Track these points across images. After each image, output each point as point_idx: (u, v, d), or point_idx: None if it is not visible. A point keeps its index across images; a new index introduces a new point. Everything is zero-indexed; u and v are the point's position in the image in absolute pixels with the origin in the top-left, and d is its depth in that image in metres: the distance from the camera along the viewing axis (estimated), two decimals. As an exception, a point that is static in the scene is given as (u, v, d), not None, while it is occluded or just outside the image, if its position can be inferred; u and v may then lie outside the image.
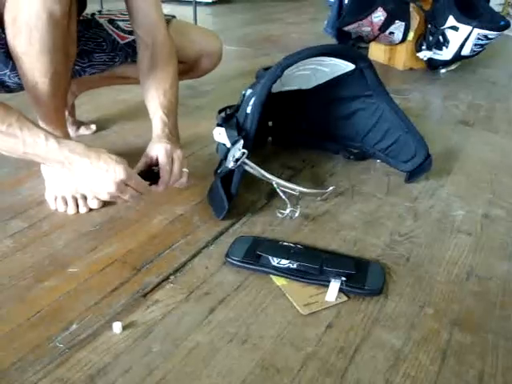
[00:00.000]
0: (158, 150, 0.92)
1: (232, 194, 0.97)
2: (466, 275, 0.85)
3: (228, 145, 0.99)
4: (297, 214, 0.99)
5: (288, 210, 0.98)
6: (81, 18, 1.20)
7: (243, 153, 0.95)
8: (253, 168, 0.99)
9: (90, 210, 1.01)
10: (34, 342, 0.69)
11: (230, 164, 0.96)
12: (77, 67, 1.20)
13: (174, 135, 0.98)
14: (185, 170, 0.94)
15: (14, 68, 0.93)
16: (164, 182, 0.91)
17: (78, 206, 1.00)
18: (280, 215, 0.99)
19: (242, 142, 0.96)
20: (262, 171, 0.99)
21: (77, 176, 0.83)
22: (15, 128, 0.78)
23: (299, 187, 1.02)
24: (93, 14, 1.24)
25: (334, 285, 0.79)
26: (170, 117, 1.00)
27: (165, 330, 0.71)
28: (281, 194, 1.00)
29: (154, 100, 1.02)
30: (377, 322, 0.74)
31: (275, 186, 1.00)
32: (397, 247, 0.92)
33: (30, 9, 0.83)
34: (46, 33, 0.85)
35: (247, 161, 0.97)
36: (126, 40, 1.24)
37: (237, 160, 0.95)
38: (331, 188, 1.06)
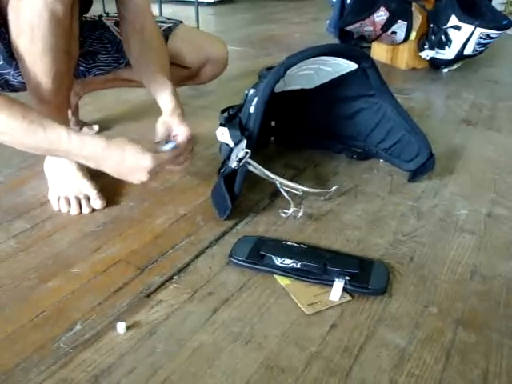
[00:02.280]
0: (181, 132, 0.96)
1: (235, 194, 0.97)
2: (470, 274, 0.85)
3: (231, 144, 0.99)
4: (300, 214, 0.99)
5: (291, 210, 0.98)
6: (88, 19, 1.21)
7: (246, 152, 0.95)
8: (256, 168, 0.99)
9: (93, 210, 1.01)
10: (37, 343, 0.69)
11: (233, 164, 0.96)
12: (81, 68, 1.20)
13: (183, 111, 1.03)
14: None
15: (18, 67, 0.93)
16: (180, 164, 0.97)
17: (81, 206, 1.00)
18: (283, 215, 0.99)
19: (245, 141, 0.96)
20: (265, 171, 0.99)
21: (105, 169, 0.87)
22: (37, 125, 0.78)
23: (302, 187, 1.02)
24: (100, 16, 1.24)
25: (338, 284, 0.79)
26: (176, 93, 1.04)
27: (169, 330, 0.71)
28: (284, 194, 1.00)
29: (157, 78, 1.03)
30: (381, 322, 0.74)
31: (278, 185, 1.00)
32: (400, 247, 0.92)
33: (32, 8, 0.83)
34: (49, 32, 0.85)
35: (250, 160, 0.97)
36: None
37: (240, 160, 0.95)
38: (334, 187, 1.06)
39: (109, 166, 0.85)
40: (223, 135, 1.01)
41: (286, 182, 1.01)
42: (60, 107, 0.99)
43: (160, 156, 0.88)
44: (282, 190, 1.00)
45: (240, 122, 1.02)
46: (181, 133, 0.97)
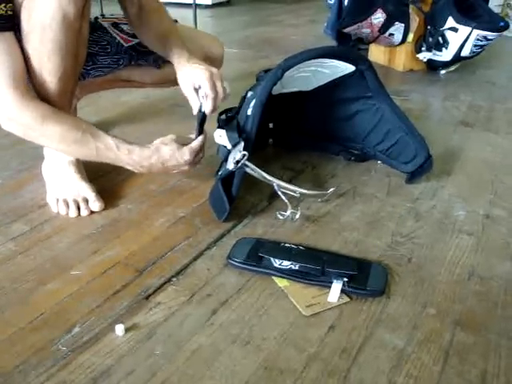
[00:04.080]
0: (198, 77, 1.00)
1: (232, 196, 0.97)
2: (468, 275, 0.85)
3: (229, 147, 0.99)
4: (297, 216, 0.99)
5: (289, 212, 0.98)
6: None
7: (244, 155, 0.95)
8: (253, 170, 0.99)
9: (92, 212, 1.01)
10: (36, 345, 0.69)
11: (231, 166, 0.96)
12: (81, 70, 1.20)
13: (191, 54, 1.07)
14: (225, 84, 1.03)
15: None
16: (210, 108, 1.01)
17: (79, 208, 1.00)
18: (281, 217, 0.99)
19: (242, 143, 0.96)
20: (263, 173, 1.00)
21: (152, 171, 0.98)
22: (89, 136, 0.90)
23: (300, 189, 1.02)
24: (96, 18, 1.24)
25: (336, 286, 0.79)
26: (181, 39, 1.08)
27: (167, 332, 0.71)
28: (281, 196, 1.00)
29: (159, 36, 1.08)
30: (379, 323, 0.74)
31: (276, 187, 1.00)
32: (398, 248, 0.92)
33: (45, 8, 0.83)
34: (59, 33, 0.86)
35: (248, 163, 0.97)
36: (130, 43, 1.24)
37: (237, 162, 0.95)
38: (332, 189, 1.06)
39: (154, 169, 0.97)
40: (221, 137, 1.01)
41: (283, 184, 1.01)
42: (63, 108, 0.99)
43: (193, 147, 0.99)
44: (279, 192, 1.00)
45: (238, 124, 1.02)
46: (201, 79, 1.00)
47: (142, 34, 1.13)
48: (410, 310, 0.77)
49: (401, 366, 0.67)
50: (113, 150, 0.92)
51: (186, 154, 0.97)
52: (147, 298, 0.78)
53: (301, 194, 1.02)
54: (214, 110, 1.03)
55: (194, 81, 1.02)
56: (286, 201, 0.99)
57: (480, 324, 0.75)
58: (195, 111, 1.04)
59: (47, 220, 0.98)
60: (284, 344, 0.70)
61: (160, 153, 0.96)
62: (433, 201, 1.09)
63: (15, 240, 0.92)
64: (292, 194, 1.01)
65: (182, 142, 1.00)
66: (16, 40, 0.86)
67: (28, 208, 1.02)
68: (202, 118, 1.02)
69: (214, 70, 1.02)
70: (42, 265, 0.85)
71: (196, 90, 1.03)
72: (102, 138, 0.92)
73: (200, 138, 1.01)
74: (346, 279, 0.80)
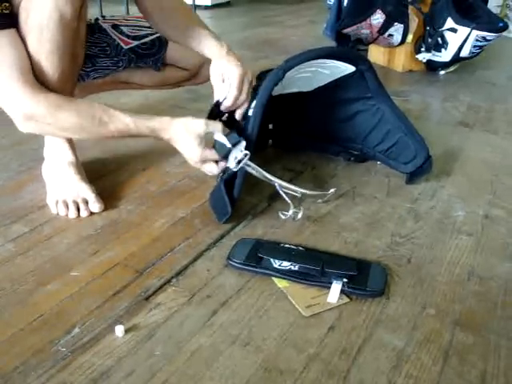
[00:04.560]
0: (231, 72, 0.98)
1: (234, 198, 0.97)
2: (468, 276, 0.85)
3: (228, 145, 0.98)
4: (300, 216, 0.99)
5: (291, 212, 0.98)
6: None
7: (245, 154, 0.95)
8: (255, 169, 0.99)
9: (92, 213, 1.01)
10: (36, 346, 0.69)
11: (232, 165, 0.96)
12: (80, 72, 1.20)
13: (229, 47, 1.04)
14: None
15: None
16: (227, 105, 0.99)
17: (79, 209, 1.00)
18: (283, 216, 0.99)
19: (244, 143, 0.95)
20: (264, 172, 1.00)
21: (173, 137, 0.96)
22: (106, 119, 0.90)
23: (301, 189, 1.02)
24: (96, 20, 1.24)
25: (336, 286, 0.79)
26: (214, 34, 1.05)
27: (167, 333, 0.71)
28: (283, 196, 1.00)
29: (190, 32, 1.05)
30: (379, 323, 0.74)
31: (277, 187, 1.00)
32: (398, 248, 0.92)
33: (42, 8, 0.83)
34: (57, 33, 0.86)
35: (249, 162, 0.97)
36: (130, 45, 1.24)
37: (239, 161, 0.95)
38: (332, 190, 1.06)
39: (173, 133, 0.94)
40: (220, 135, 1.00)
41: (284, 183, 1.01)
42: None
43: (208, 157, 0.96)
44: (281, 192, 1.00)
45: (239, 123, 1.02)
46: (232, 74, 0.98)
47: (168, 33, 1.12)
48: (410, 310, 0.77)
49: (400, 367, 0.67)
50: (132, 130, 0.92)
51: (198, 155, 0.95)
52: (147, 298, 0.78)
53: (302, 194, 1.02)
54: (231, 107, 1.01)
55: (224, 73, 1.00)
56: (288, 200, 0.99)
57: (480, 324, 0.75)
58: (216, 98, 1.01)
59: (47, 221, 0.99)
60: (284, 344, 0.70)
61: (178, 136, 0.94)
62: (432, 201, 1.09)
63: (15, 241, 0.92)
64: (293, 193, 1.01)
65: (208, 134, 0.96)
66: (18, 36, 0.86)
67: (28, 209, 1.02)
68: (218, 111, 1.01)
69: (249, 74, 1.01)
70: (41, 266, 0.85)
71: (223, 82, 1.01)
72: (121, 119, 0.91)
73: (213, 152, 0.96)
74: (345, 280, 0.80)
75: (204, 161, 0.96)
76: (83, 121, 0.90)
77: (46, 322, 0.73)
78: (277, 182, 1.00)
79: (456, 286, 0.83)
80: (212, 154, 0.96)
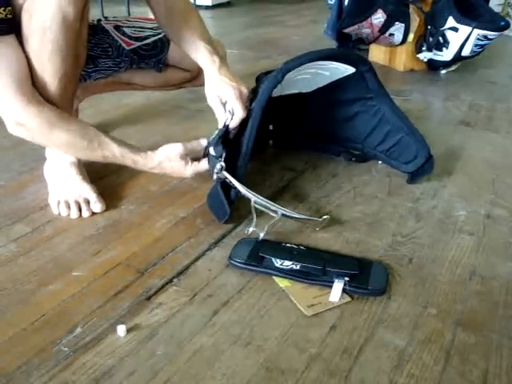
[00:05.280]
0: (228, 95, 0.98)
1: (231, 199, 0.97)
2: (469, 275, 0.85)
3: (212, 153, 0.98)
4: (261, 236, 0.90)
5: (251, 229, 0.92)
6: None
7: (221, 166, 0.94)
8: (232, 182, 0.94)
9: (93, 213, 1.01)
10: (38, 346, 0.69)
11: (214, 176, 0.96)
12: (82, 72, 1.21)
13: (223, 60, 1.04)
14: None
15: None
16: (235, 124, 0.99)
17: (80, 209, 1.01)
18: (246, 232, 0.94)
19: (224, 155, 0.94)
20: (241, 187, 0.93)
21: (163, 172, 1.03)
22: (95, 144, 0.94)
23: (282, 209, 0.92)
24: (99, 20, 1.25)
25: (338, 285, 0.79)
26: (212, 44, 1.05)
27: (169, 333, 0.72)
28: (252, 212, 0.92)
29: (188, 38, 1.05)
30: (380, 323, 0.74)
31: (252, 202, 0.92)
32: (399, 248, 0.92)
33: (45, 10, 0.83)
34: (59, 34, 0.86)
35: (227, 175, 0.94)
36: (132, 46, 1.25)
37: (218, 172, 0.94)
38: (325, 217, 0.96)
39: (159, 171, 1.02)
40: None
41: (261, 200, 0.92)
42: (64, 110, 0.99)
43: (199, 169, 1.02)
44: (253, 209, 0.92)
45: (222, 135, 0.99)
46: (229, 96, 0.98)
47: (169, 34, 1.12)
48: (411, 309, 0.77)
49: (402, 366, 0.67)
50: (118, 159, 0.97)
51: (187, 173, 1.02)
52: (149, 298, 0.78)
53: (283, 215, 0.92)
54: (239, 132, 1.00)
55: (221, 96, 0.99)
56: (254, 218, 0.92)
57: (481, 324, 0.75)
58: (221, 125, 1.01)
59: (49, 221, 0.99)
60: (285, 344, 0.70)
61: (162, 166, 1.00)
62: (434, 201, 1.09)
63: (17, 241, 0.92)
64: (271, 214, 0.92)
65: (190, 152, 1.01)
66: (18, 43, 0.86)
67: (30, 209, 1.03)
68: (225, 132, 0.99)
69: (244, 89, 1.00)
70: (43, 266, 0.86)
71: (223, 105, 1.00)
72: (109, 147, 0.95)
73: (205, 163, 1.01)
74: (347, 278, 0.80)
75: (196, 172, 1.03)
76: (73, 141, 0.93)
77: (48, 321, 0.73)
78: (253, 198, 0.92)
79: (458, 286, 0.83)
80: (201, 166, 1.01)
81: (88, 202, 1.02)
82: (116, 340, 0.70)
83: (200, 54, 1.04)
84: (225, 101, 1.00)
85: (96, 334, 0.71)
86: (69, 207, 1.01)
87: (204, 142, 1.02)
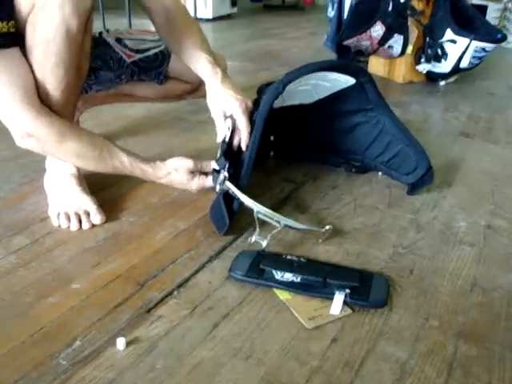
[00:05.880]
0: (232, 108, 0.98)
1: (234, 211, 0.97)
2: (470, 287, 0.85)
3: (217, 167, 0.99)
4: (264, 244, 0.91)
5: (254, 238, 0.92)
6: None
7: (225, 176, 0.95)
8: (235, 193, 0.94)
9: (93, 225, 1.01)
10: (37, 359, 0.68)
11: (217, 187, 0.97)
12: (83, 84, 1.21)
13: (225, 72, 1.05)
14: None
15: None
16: (246, 144, 0.99)
17: (80, 221, 1.00)
18: (248, 240, 0.94)
19: (227, 166, 0.96)
20: (244, 197, 0.93)
21: (169, 184, 1.05)
22: (105, 154, 0.95)
23: (284, 219, 0.92)
24: (100, 33, 1.25)
25: (339, 297, 0.79)
26: (213, 55, 1.06)
27: (169, 346, 0.71)
28: (256, 222, 0.92)
29: (189, 50, 1.06)
30: (381, 335, 0.74)
31: (255, 213, 0.92)
32: (400, 259, 0.92)
33: (49, 22, 0.84)
34: (63, 46, 0.86)
35: (230, 185, 0.94)
36: (133, 58, 1.25)
37: (221, 183, 0.95)
38: (327, 227, 0.95)
39: (166, 181, 1.03)
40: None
41: (264, 210, 0.92)
42: None
43: (205, 185, 1.04)
44: (256, 219, 0.92)
45: (227, 148, 1.00)
46: (234, 110, 0.98)
47: (170, 46, 1.13)
48: (413, 321, 0.77)
49: (404, 379, 0.66)
50: (127, 169, 0.98)
51: (193, 187, 1.04)
52: (148, 311, 0.78)
53: (285, 226, 0.92)
54: (247, 145, 0.99)
55: (225, 109, 1.00)
56: (257, 228, 0.92)
57: (483, 336, 0.74)
58: (219, 139, 1.01)
59: (49, 233, 0.99)
60: (286, 357, 0.69)
61: (170, 178, 1.02)
62: (434, 212, 1.09)
63: (16, 253, 0.92)
64: (274, 223, 0.92)
65: (198, 170, 1.03)
66: (22, 55, 0.87)
67: (30, 221, 1.02)
68: (227, 148, 1.00)
69: (249, 102, 1.00)
70: (43, 278, 0.85)
71: (226, 118, 1.00)
72: (118, 157, 0.96)
73: (210, 180, 1.02)
74: (348, 291, 0.79)
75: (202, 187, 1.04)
76: (83, 151, 0.94)
77: (46, 334, 0.73)
78: (256, 208, 0.92)
79: (459, 298, 0.82)
80: (207, 181, 1.03)
81: (88, 214, 1.01)
82: (115, 353, 0.70)
83: (201, 66, 1.04)
84: (229, 114, 1.00)
85: (95, 347, 0.70)
86: (69, 219, 1.00)
87: (214, 165, 1.01)
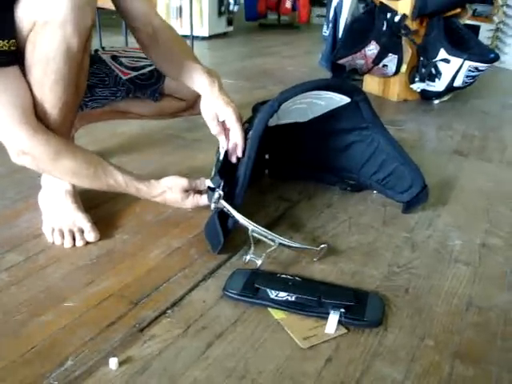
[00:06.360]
0: (228, 116, 1.00)
1: (228, 229, 0.97)
2: (466, 306, 0.85)
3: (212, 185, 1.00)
4: (259, 263, 0.91)
5: (248, 257, 0.92)
6: None
7: (220, 194, 0.96)
8: (230, 211, 0.95)
9: (87, 243, 1.00)
10: (28, 379, 0.67)
11: (212, 206, 0.97)
12: None
13: (220, 83, 1.06)
14: None
15: None
16: (241, 149, 1.01)
17: (74, 239, 1.00)
18: (243, 259, 0.94)
19: (221, 184, 0.97)
20: (239, 216, 0.94)
21: (164, 202, 1.06)
22: (100, 172, 0.96)
23: (280, 238, 0.92)
24: (96, 51, 1.26)
25: (333, 317, 0.79)
26: (207, 70, 1.06)
27: (162, 366, 0.70)
28: (251, 240, 0.92)
29: (181, 63, 1.06)
30: (377, 355, 0.73)
31: (250, 232, 0.92)
32: (395, 278, 0.92)
33: (50, 40, 0.84)
34: (63, 65, 0.87)
35: (225, 203, 0.95)
36: (129, 76, 1.26)
37: (216, 201, 0.96)
38: (323, 246, 0.95)
39: (161, 200, 1.04)
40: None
41: (259, 229, 0.92)
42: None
43: (199, 203, 1.05)
44: (251, 238, 0.92)
45: (221, 165, 1.01)
46: (228, 116, 1.01)
47: (159, 63, 1.13)
48: (408, 341, 0.76)
49: (400, 401, 0.65)
50: (122, 187, 0.99)
51: (188, 205, 1.05)
52: (142, 330, 0.77)
53: (280, 244, 0.92)
54: (243, 151, 1.02)
55: (219, 114, 1.02)
56: (252, 246, 0.92)
57: (480, 356, 0.74)
58: (222, 151, 1.03)
59: (42, 250, 0.98)
60: (280, 377, 0.69)
61: (165, 197, 1.03)
62: (429, 230, 1.09)
63: (9, 270, 0.91)
64: (269, 242, 0.92)
65: (193, 188, 1.05)
66: (21, 73, 0.87)
67: (23, 238, 1.02)
68: (222, 165, 1.01)
69: (236, 108, 1.03)
70: (35, 296, 0.84)
71: (219, 123, 1.02)
72: (113, 175, 0.97)
73: (205, 199, 1.04)
74: (342, 310, 0.79)
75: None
76: (79, 169, 0.94)
77: (38, 354, 0.72)
78: (250, 226, 0.92)
79: (454, 317, 0.82)
80: (201, 200, 1.05)
81: (82, 231, 1.01)
82: (108, 373, 0.69)
83: (198, 75, 1.05)
84: (222, 119, 1.02)
85: (87, 367, 0.69)
86: (63, 236, 1.00)
87: (208, 183, 1.02)
